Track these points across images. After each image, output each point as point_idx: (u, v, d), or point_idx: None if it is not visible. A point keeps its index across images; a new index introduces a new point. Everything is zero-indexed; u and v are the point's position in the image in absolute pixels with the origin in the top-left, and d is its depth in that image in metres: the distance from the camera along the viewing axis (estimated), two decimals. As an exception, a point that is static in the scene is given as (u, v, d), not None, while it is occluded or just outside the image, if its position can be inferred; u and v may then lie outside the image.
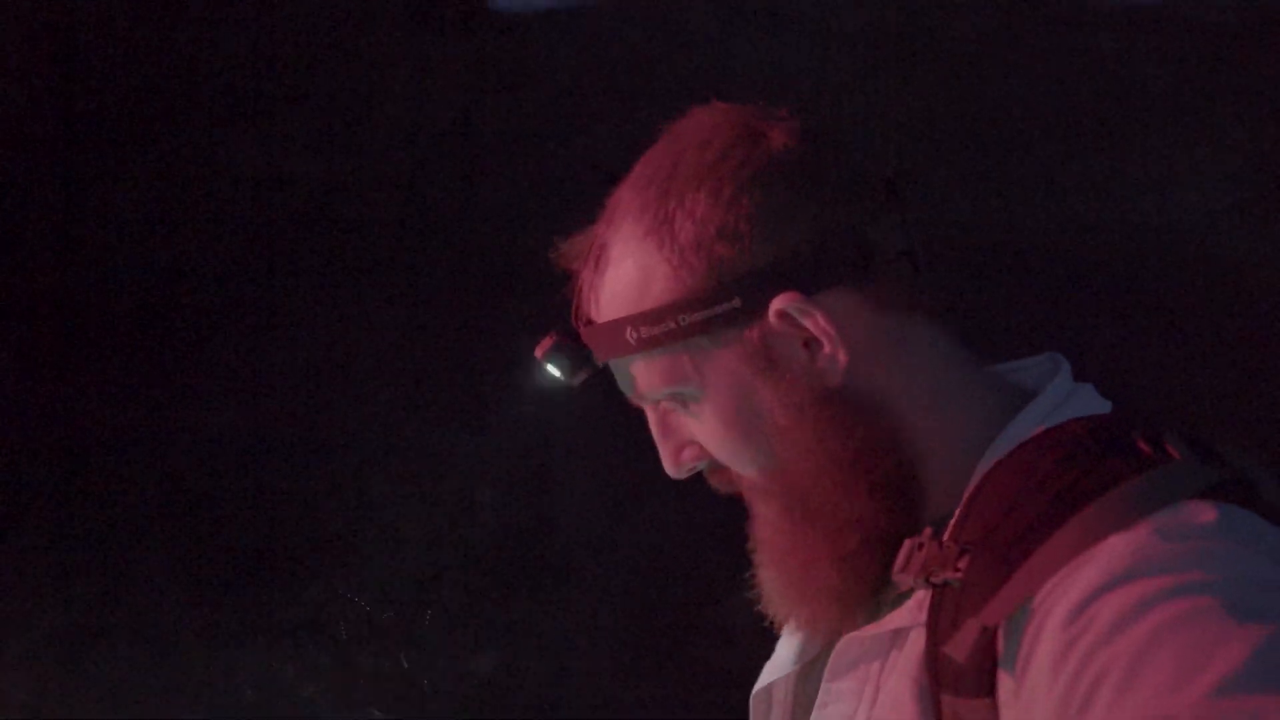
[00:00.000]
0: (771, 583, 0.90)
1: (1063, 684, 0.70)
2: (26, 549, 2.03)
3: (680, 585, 1.85)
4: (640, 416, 0.94)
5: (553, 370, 0.92)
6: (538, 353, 0.92)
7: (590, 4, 2.00)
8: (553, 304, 0.92)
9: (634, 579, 1.93)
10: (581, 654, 1.89)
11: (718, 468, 0.91)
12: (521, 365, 1.98)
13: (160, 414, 2.06)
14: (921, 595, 0.81)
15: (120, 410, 2.05)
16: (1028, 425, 0.83)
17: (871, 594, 0.88)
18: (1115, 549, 0.72)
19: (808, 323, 0.83)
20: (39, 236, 2.08)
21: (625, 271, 0.87)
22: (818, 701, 0.87)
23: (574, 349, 0.90)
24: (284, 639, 1.97)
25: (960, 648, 0.74)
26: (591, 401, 1.96)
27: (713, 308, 0.84)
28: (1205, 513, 0.74)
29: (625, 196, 0.89)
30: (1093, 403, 0.87)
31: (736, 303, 0.84)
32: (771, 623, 0.91)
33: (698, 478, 0.97)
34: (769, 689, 0.96)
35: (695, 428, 0.89)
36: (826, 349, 0.83)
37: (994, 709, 0.75)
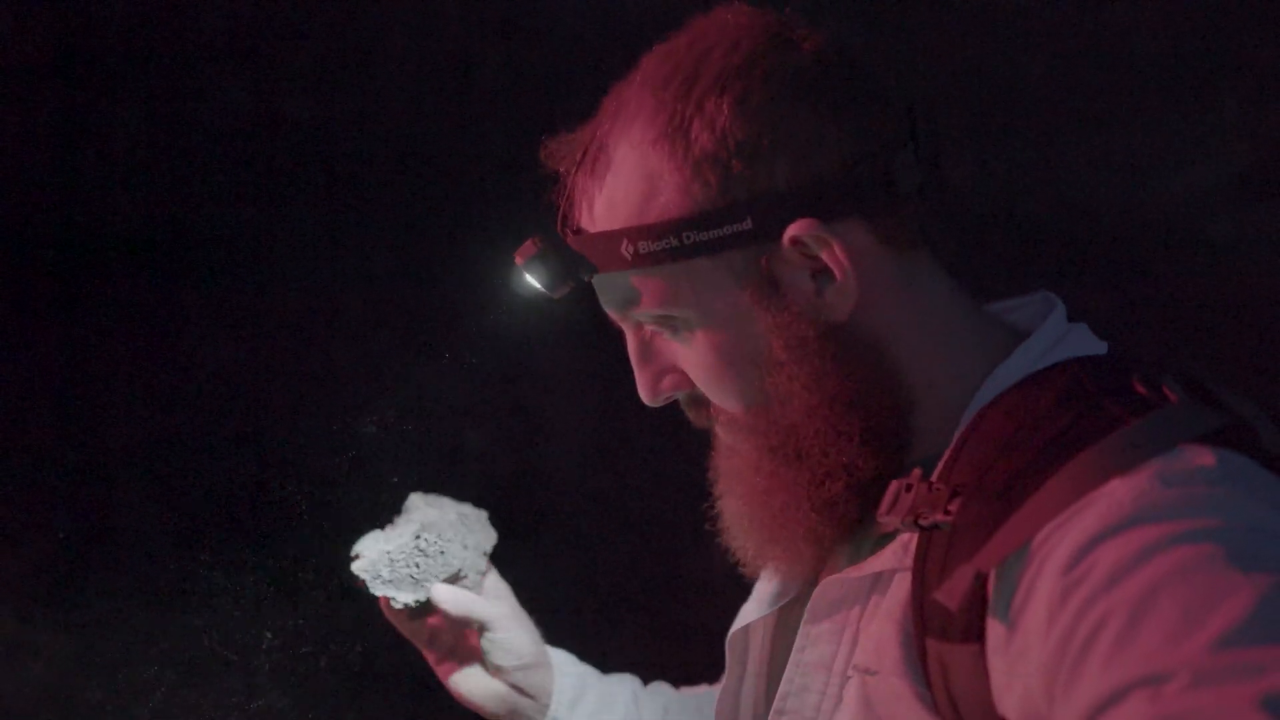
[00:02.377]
0: (742, 520, 0.87)
1: (1059, 632, 0.68)
2: (10, 486, 2.02)
3: (665, 536, 1.84)
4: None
5: (532, 280, 0.85)
6: (517, 259, 0.85)
7: (593, -47, 1.96)
8: (537, 207, 0.87)
9: (619, 530, 1.92)
10: (565, 603, 1.88)
11: (696, 399, 0.87)
12: (512, 313, 1.96)
13: (147, 352, 2.04)
14: (906, 538, 0.79)
15: (105, 351, 2.04)
16: (1021, 365, 0.81)
17: (850, 535, 0.85)
18: (1115, 494, 0.69)
19: (823, 253, 0.79)
20: (25, 179, 2.06)
21: (628, 179, 0.81)
22: (796, 645, 0.85)
23: (559, 258, 0.83)
24: (269, 581, 1.96)
25: (952, 594, 0.72)
26: (582, 349, 1.95)
27: (721, 228, 0.78)
28: (1205, 458, 0.71)
29: (634, 95, 0.82)
30: (1088, 343, 0.84)
31: (747, 224, 0.78)
32: (740, 561, 0.88)
33: (684, 424, 0.94)
34: (746, 630, 0.94)
35: (682, 355, 0.85)
36: (839, 280, 0.79)
37: (981, 655, 0.72)
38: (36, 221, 2.03)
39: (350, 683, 1.96)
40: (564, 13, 1.96)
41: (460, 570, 1.11)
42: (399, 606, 1.09)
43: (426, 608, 1.10)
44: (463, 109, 1.97)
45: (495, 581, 1.15)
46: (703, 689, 1.17)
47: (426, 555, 1.10)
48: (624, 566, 1.93)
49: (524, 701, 1.10)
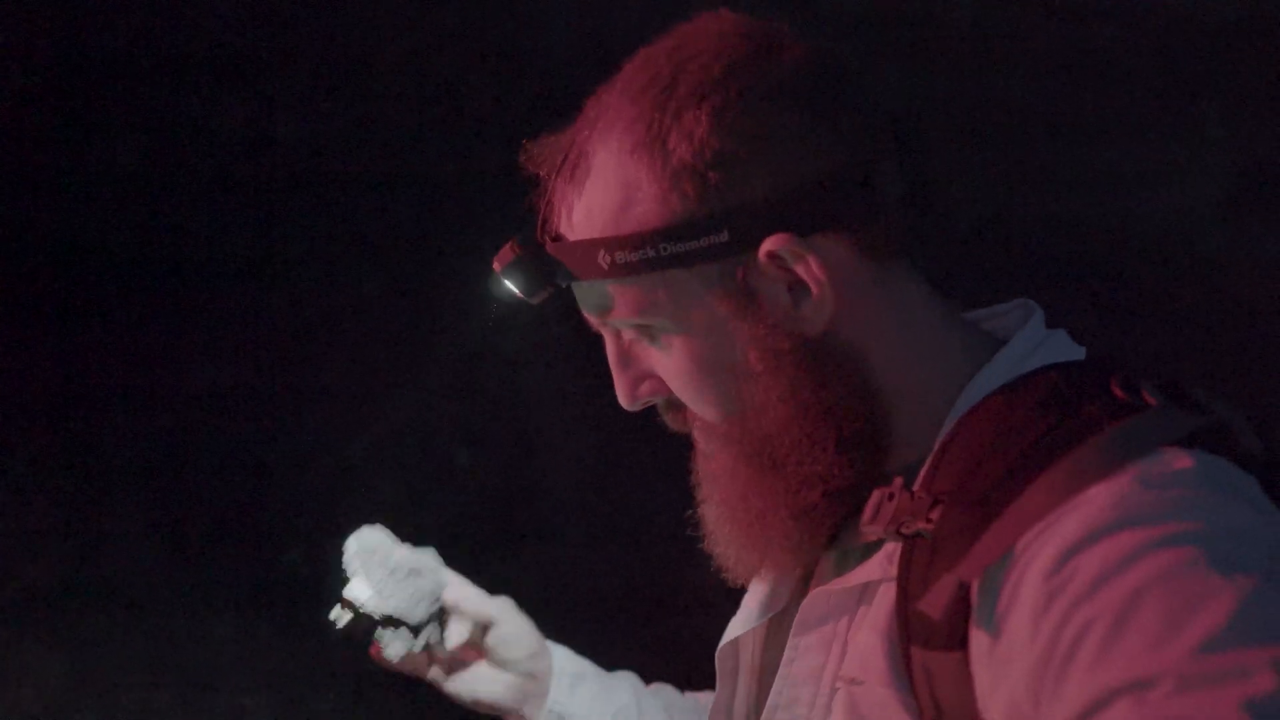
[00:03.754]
0: (721, 526, 0.87)
1: (1043, 639, 0.68)
2: (4, 505, 2.02)
3: (660, 551, 1.84)
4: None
5: (510, 286, 0.85)
6: (495, 265, 0.85)
7: (587, -27, 1.98)
8: (516, 210, 0.87)
9: (614, 545, 1.92)
10: (560, 618, 1.88)
11: (674, 405, 0.87)
12: (505, 330, 1.98)
13: (140, 373, 2.04)
14: (891, 548, 0.79)
15: (100, 368, 2.04)
16: (999, 373, 0.81)
17: (827, 544, 0.86)
18: (1096, 499, 0.70)
19: (799, 267, 0.78)
20: (23, 195, 2.07)
21: (605, 187, 0.80)
22: (785, 657, 0.85)
23: (537, 265, 0.83)
24: (262, 601, 1.95)
25: (935, 604, 0.72)
26: (574, 365, 1.95)
27: (698, 239, 0.78)
28: (1184, 460, 0.72)
29: (614, 102, 0.82)
30: (1066, 349, 0.85)
31: (724, 236, 0.78)
32: (723, 568, 0.88)
33: (676, 438, 0.94)
34: (735, 644, 0.94)
35: (659, 362, 0.85)
36: (815, 295, 0.79)
37: (965, 662, 0.73)
38: (31, 239, 2.04)
39: (347, 697, 1.96)
40: (556, 36, 1.98)
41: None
42: (413, 647, 1.07)
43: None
44: (455, 131, 1.99)
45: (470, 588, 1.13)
46: (704, 695, 1.18)
47: (410, 580, 1.08)
48: (619, 580, 1.93)
49: (533, 686, 1.11)
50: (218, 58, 2.00)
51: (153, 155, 2.02)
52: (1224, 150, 1.79)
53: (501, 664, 1.11)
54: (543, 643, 1.14)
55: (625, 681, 1.17)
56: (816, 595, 0.84)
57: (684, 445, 0.95)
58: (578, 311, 0.89)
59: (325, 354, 2.00)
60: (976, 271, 1.76)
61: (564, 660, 1.14)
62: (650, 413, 0.94)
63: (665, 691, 1.19)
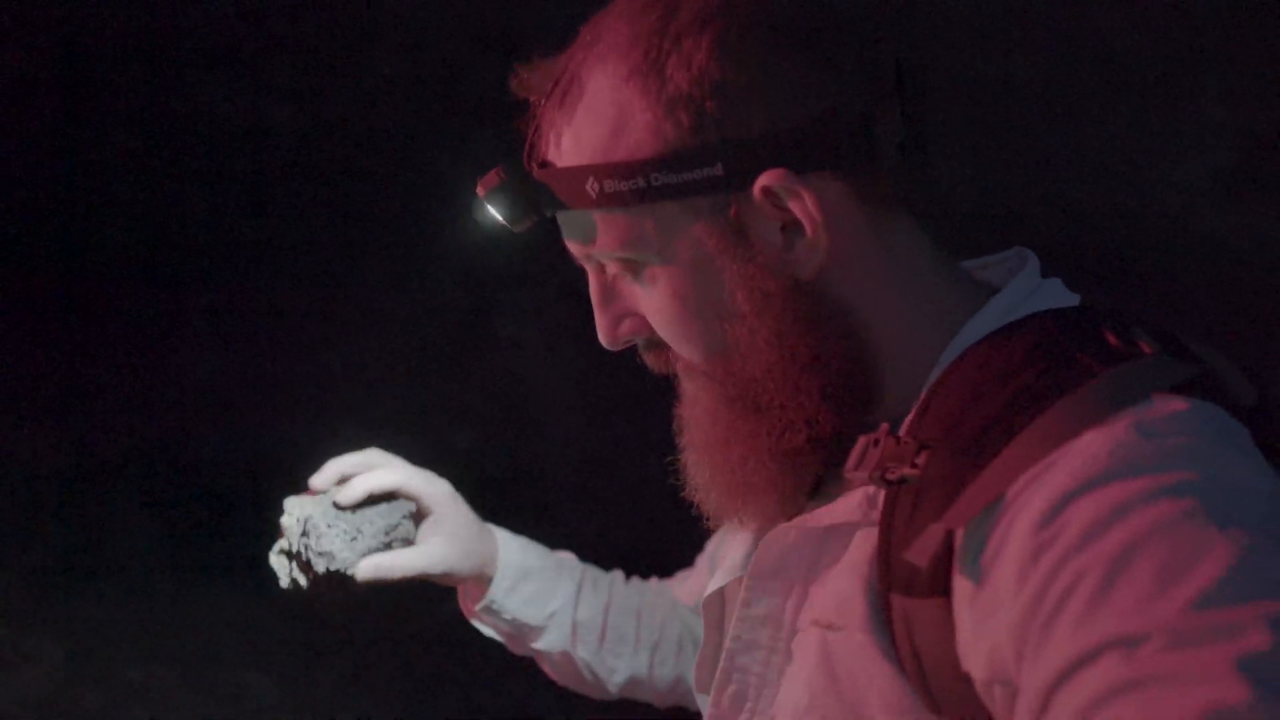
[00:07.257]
0: (702, 471, 0.84)
1: (1030, 591, 0.66)
2: (3, 493, 2.03)
3: (658, 532, 1.84)
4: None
5: (494, 212, 0.82)
6: (479, 190, 0.82)
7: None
8: (504, 135, 0.85)
9: (611, 527, 1.92)
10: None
11: (656, 345, 0.85)
12: (504, 316, 1.98)
13: (138, 359, 2.05)
14: (866, 491, 0.77)
15: (98, 354, 2.04)
16: (990, 320, 0.79)
17: (810, 494, 0.83)
18: (1090, 447, 0.68)
19: (794, 205, 0.76)
20: (21, 187, 2.07)
21: (597, 113, 0.77)
22: (741, 598, 0.83)
23: (522, 192, 0.80)
24: (258, 584, 1.96)
25: (922, 552, 0.69)
26: (572, 347, 1.95)
27: (690, 171, 0.75)
28: (1179, 406, 0.70)
29: (612, 24, 0.79)
30: (1060, 296, 0.83)
31: (718, 170, 0.75)
32: (705, 515, 0.86)
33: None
34: (721, 593, 0.92)
35: (643, 299, 0.82)
36: (809, 236, 0.76)
37: (948, 610, 0.71)
38: (28, 230, 2.04)
39: (343, 682, 1.96)
40: (553, 23, 1.98)
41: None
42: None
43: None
44: (451, 118, 1.99)
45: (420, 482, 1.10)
46: (653, 580, 1.18)
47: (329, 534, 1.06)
48: (618, 559, 1.93)
49: (487, 552, 1.08)
50: (213, 47, 2.00)
51: (149, 145, 2.02)
52: (1224, 131, 1.79)
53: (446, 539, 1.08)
54: (484, 527, 1.11)
55: (570, 579, 1.15)
56: (774, 535, 0.82)
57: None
58: (576, 292, 0.88)
59: (322, 338, 2.01)
60: (975, 252, 1.76)
61: (513, 553, 1.11)
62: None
63: (610, 585, 1.17)
